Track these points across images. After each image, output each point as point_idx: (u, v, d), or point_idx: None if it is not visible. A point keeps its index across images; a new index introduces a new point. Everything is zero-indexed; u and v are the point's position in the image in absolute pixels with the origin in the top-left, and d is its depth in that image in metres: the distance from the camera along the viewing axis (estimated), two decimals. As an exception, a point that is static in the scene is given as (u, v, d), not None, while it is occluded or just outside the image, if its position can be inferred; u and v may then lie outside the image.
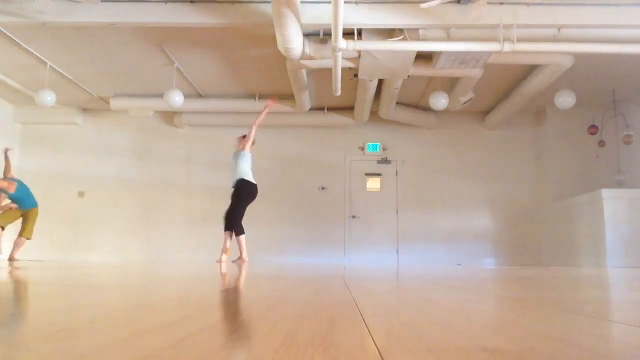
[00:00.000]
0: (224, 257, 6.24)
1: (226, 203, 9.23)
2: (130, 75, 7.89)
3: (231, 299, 1.41)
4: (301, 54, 5.93)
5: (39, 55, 7.00)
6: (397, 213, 9.26)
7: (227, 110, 8.85)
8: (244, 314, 1.05)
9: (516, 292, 1.78)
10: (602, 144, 8.26)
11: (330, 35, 5.36)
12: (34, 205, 7.36)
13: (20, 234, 7.30)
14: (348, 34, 5.56)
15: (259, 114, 6.51)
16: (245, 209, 6.30)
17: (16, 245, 7.26)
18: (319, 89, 8.22)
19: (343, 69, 6.43)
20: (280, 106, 7.21)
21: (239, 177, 6.26)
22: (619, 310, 1.24)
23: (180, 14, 5.59)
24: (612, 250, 6.96)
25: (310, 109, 8.83)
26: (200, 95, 8.70)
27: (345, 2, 4.61)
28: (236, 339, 0.72)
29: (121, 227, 9.27)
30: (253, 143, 6.41)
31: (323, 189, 9.32)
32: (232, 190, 6.37)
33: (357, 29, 5.65)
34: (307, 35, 6.00)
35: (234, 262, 6.27)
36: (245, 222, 9.35)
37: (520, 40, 5.38)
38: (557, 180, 8.75)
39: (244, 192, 6.26)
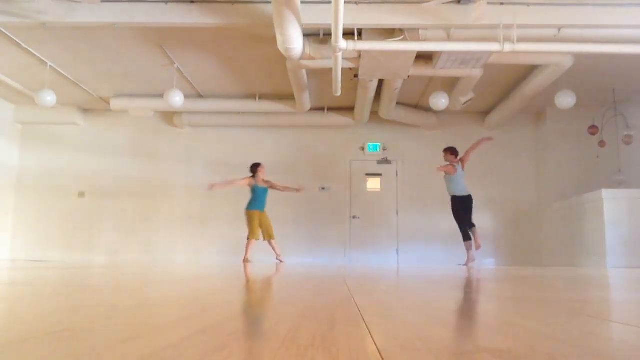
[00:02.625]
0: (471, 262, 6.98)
1: (226, 202, 9.28)
2: (130, 75, 7.89)
3: (230, 298, 1.41)
4: (301, 54, 5.93)
5: (39, 55, 7.00)
6: (397, 213, 9.26)
7: (227, 110, 8.85)
8: (244, 313, 1.05)
9: (516, 292, 1.78)
10: (602, 144, 8.26)
11: (330, 35, 5.35)
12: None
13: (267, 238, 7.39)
14: (348, 34, 5.56)
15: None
16: (461, 218, 7.01)
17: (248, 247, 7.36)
18: (319, 89, 8.22)
19: (343, 69, 6.43)
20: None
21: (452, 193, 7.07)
22: (619, 310, 1.24)
23: (180, 14, 5.59)
24: (612, 250, 6.96)
25: (310, 109, 8.83)
26: (200, 95, 8.70)
27: (345, 2, 4.61)
28: (236, 339, 0.72)
29: (121, 227, 9.27)
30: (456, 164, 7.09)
31: (323, 189, 9.32)
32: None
33: (357, 29, 5.65)
34: (307, 35, 6.00)
35: (463, 265, 7.01)
36: (245, 222, 9.32)
37: (520, 40, 5.38)
38: (557, 180, 8.75)
39: (456, 206, 7.04)
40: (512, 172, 9.28)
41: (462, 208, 6.98)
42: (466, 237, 6.94)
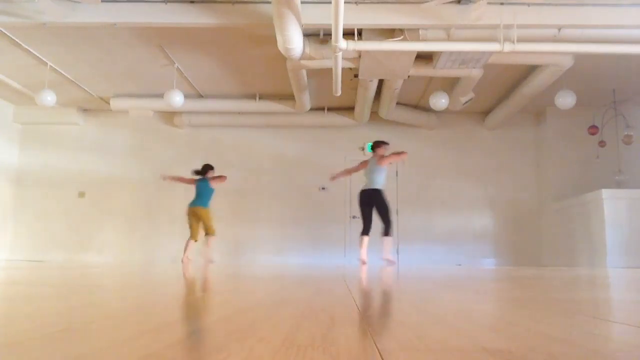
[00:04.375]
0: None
1: (227, 203, 9.29)
2: (130, 75, 7.89)
3: (231, 299, 1.41)
4: (301, 54, 5.93)
5: (39, 55, 7.00)
6: (397, 213, 9.25)
7: (227, 110, 8.85)
8: (244, 314, 1.05)
9: (516, 292, 1.78)
10: (602, 144, 8.26)
11: (330, 35, 5.36)
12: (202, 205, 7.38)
13: (207, 234, 7.41)
14: (348, 34, 5.56)
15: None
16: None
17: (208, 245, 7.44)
18: (319, 89, 8.22)
19: (343, 69, 6.43)
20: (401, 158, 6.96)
21: (377, 186, 6.75)
22: (619, 310, 1.24)
23: (180, 14, 5.59)
24: (611, 250, 6.96)
25: (310, 109, 8.83)
26: (200, 95, 8.71)
27: (345, 2, 4.61)
28: (236, 339, 0.72)
29: (121, 227, 9.27)
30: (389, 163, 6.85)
31: (323, 189, 9.32)
32: (364, 195, 6.80)
33: (357, 29, 5.65)
34: (307, 35, 6.00)
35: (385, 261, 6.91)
36: (245, 222, 9.29)
37: (520, 40, 5.38)
38: (557, 180, 8.75)
39: (384, 198, 6.77)
40: (512, 172, 9.29)
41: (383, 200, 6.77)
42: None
